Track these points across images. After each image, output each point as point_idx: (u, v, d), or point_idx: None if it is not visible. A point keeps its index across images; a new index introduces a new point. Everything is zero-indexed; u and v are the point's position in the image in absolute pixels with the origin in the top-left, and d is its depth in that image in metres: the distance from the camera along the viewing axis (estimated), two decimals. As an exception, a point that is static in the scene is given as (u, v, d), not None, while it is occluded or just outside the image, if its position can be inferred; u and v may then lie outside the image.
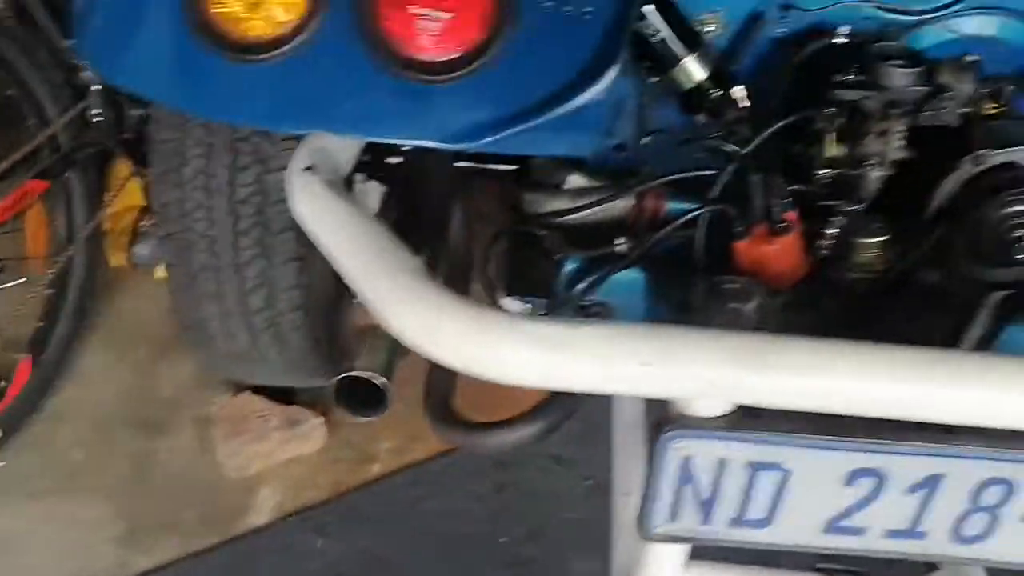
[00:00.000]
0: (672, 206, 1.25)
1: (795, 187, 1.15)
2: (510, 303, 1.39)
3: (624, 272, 1.27)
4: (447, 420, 1.13)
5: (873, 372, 0.80)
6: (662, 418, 0.87)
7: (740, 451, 0.87)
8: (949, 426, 0.87)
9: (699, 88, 1.13)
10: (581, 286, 1.27)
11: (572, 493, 1.96)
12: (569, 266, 1.31)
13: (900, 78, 1.06)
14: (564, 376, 0.82)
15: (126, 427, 2.00)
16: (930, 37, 1.14)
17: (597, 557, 1.47)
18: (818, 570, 1.11)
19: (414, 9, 1.01)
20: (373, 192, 1.39)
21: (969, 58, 1.08)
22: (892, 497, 0.88)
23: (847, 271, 1.19)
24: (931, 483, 0.87)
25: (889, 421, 0.86)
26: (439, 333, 0.83)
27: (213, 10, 1.03)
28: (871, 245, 1.15)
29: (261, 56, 1.02)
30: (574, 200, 1.28)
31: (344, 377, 0.98)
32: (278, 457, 1.92)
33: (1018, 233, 1.04)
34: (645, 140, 1.21)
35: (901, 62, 1.06)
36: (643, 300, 1.29)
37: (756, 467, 0.87)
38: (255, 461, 1.90)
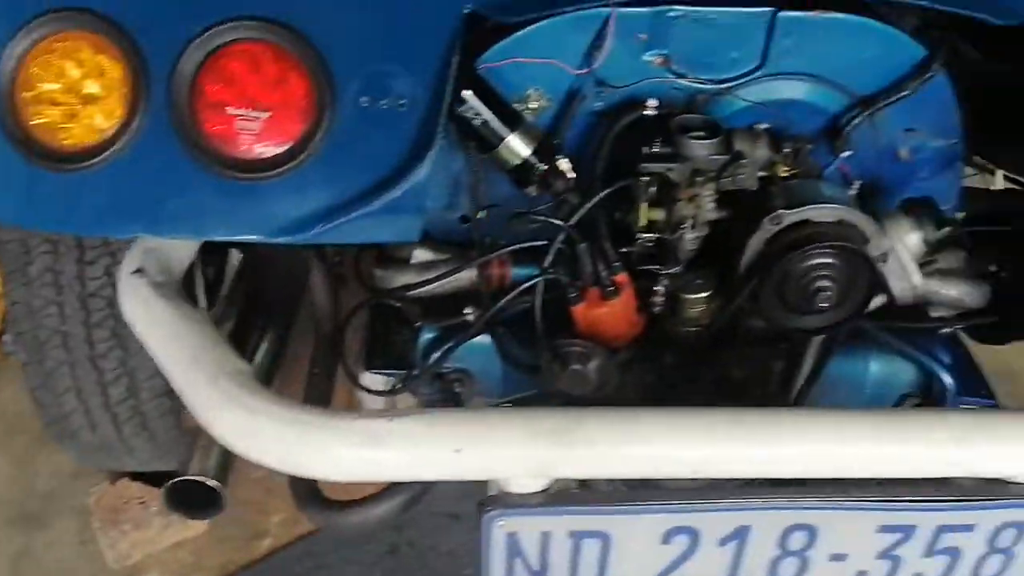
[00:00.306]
0: (517, 273, 1.31)
1: (624, 250, 1.22)
2: (370, 378, 1.42)
3: (480, 339, 1.32)
4: (310, 500, 1.15)
5: (671, 438, 0.86)
6: (485, 498, 0.91)
7: (561, 523, 0.91)
8: (751, 480, 0.93)
9: (526, 163, 1.19)
10: (435, 356, 1.31)
11: (468, 550, 1.98)
12: (425, 337, 1.36)
13: (699, 149, 1.13)
14: (383, 470, 0.86)
15: (2, 524, 1.94)
16: (736, 104, 1.22)
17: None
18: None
19: (232, 110, 1.04)
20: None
21: (761, 126, 1.17)
22: (707, 551, 0.93)
23: (679, 326, 1.26)
24: (740, 534, 0.92)
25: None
26: (257, 438, 0.86)
27: (32, 122, 1.05)
28: (696, 301, 1.22)
29: (83, 164, 1.04)
30: (421, 273, 1.32)
31: (176, 481, 0.99)
32: (161, 543, 1.89)
33: (817, 284, 1.12)
34: (481, 214, 1.25)
35: (701, 133, 1.14)
36: (498, 365, 1.34)
37: (579, 536, 0.91)
38: (137, 549, 1.86)
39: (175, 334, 0.97)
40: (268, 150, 1.05)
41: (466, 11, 1.06)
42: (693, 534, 0.92)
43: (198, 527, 1.93)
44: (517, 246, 1.25)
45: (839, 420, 0.88)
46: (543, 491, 0.90)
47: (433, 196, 1.30)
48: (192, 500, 1.00)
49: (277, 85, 1.04)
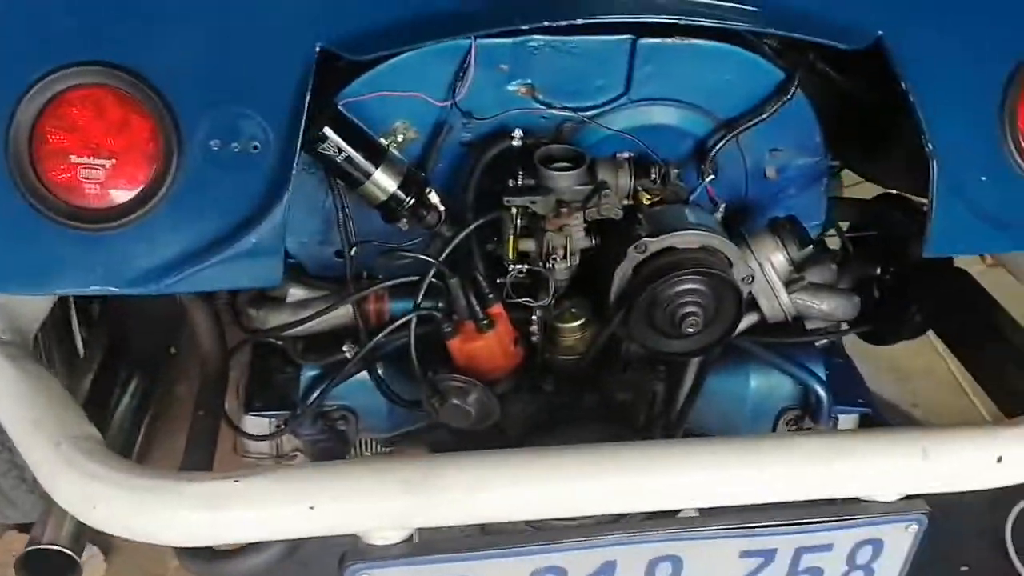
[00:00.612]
0: (396, 307, 1.29)
1: (499, 282, 1.22)
2: (252, 421, 1.39)
3: (362, 375, 1.30)
4: (191, 554, 1.11)
5: (524, 481, 0.85)
6: (345, 551, 0.89)
7: (427, 571, 0.90)
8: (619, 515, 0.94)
9: (394, 198, 1.17)
10: (314, 395, 1.29)
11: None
12: (307, 375, 1.33)
13: (562, 180, 1.14)
14: (234, 532, 0.83)
15: None
16: (603, 132, 1.23)
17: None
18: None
19: (75, 158, 1.01)
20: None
21: (623, 155, 1.18)
22: (577, 588, 0.93)
23: (557, 355, 1.26)
24: (607, 570, 0.92)
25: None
26: (99, 506, 0.82)
27: None
28: (571, 330, 1.23)
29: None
30: (297, 312, 1.30)
31: (30, 551, 0.95)
32: (53, 595, 1.81)
33: (684, 311, 1.13)
34: (354, 251, 1.24)
35: (565, 164, 1.14)
36: (382, 400, 1.32)
37: (444, 584, 0.90)
38: (26, 604, 1.78)
39: (18, 395, 0.93)
40: (115, 198, 1.01)
41: (318, 49, 1.04)
42: (561, 573, 0.92)
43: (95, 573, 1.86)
44: (390, 283, 1.24)
45: (691, 451, 0.89)
46: (405, 541, 0.89)
47: (306, 231, 1.29)
48: (49, 568, 0.96)
49: (120, 130, 1.01)
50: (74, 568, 0.96)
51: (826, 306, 1.36)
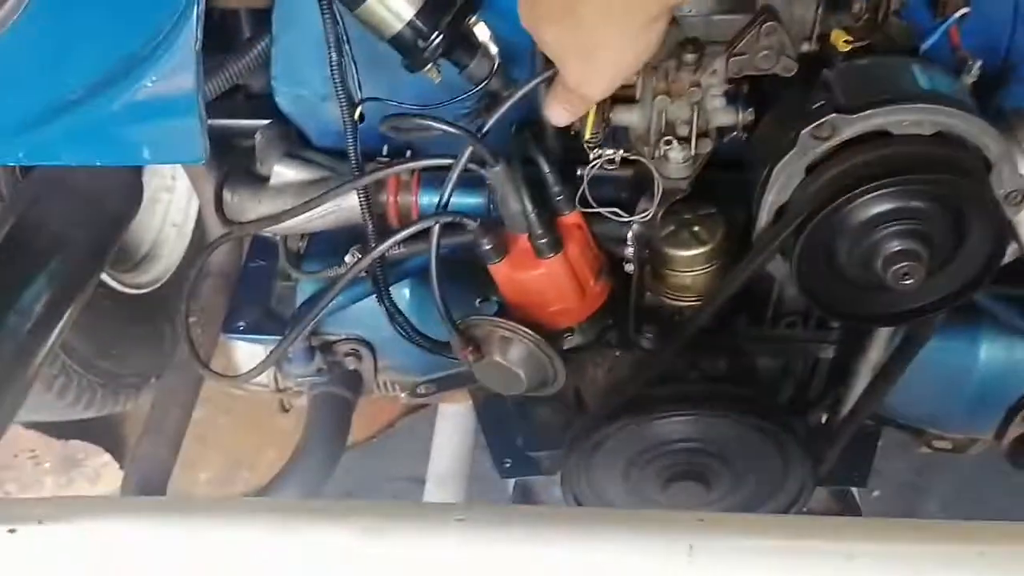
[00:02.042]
0: (429, 203, 0.86)
1: (578, 175, 0.75)
2: (237, 345, 1.02)
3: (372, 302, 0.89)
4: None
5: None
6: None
7: None
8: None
9: (413, 27, 0.72)
10: (307, 323, 0.89)
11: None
12: (303, 290, 0.94)
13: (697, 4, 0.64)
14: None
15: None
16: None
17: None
18: None
19: None
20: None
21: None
22: None
23: (663, 297, 0.79)
24: None
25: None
26: None
27: None
28: (689, 260, 0.76)
29: None
30: (281, 199, 0.88)
31: None
32: (62, 504, 1.57)
33: (896, 247, 0.63)
34: (358, 112, 0.79)
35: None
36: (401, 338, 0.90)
37: None
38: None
39: None
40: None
41: None
42: None
43: (107, 484, 1.61)
44: (409, 165, 0.80)
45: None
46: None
47: (303, 80, 0.86)
48: None
49: None
50: None
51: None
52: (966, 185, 0.63)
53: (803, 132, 0.64)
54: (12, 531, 0.45)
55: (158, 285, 1.57)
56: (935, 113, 0.63)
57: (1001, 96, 0.80)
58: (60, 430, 1.59)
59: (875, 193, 0.62)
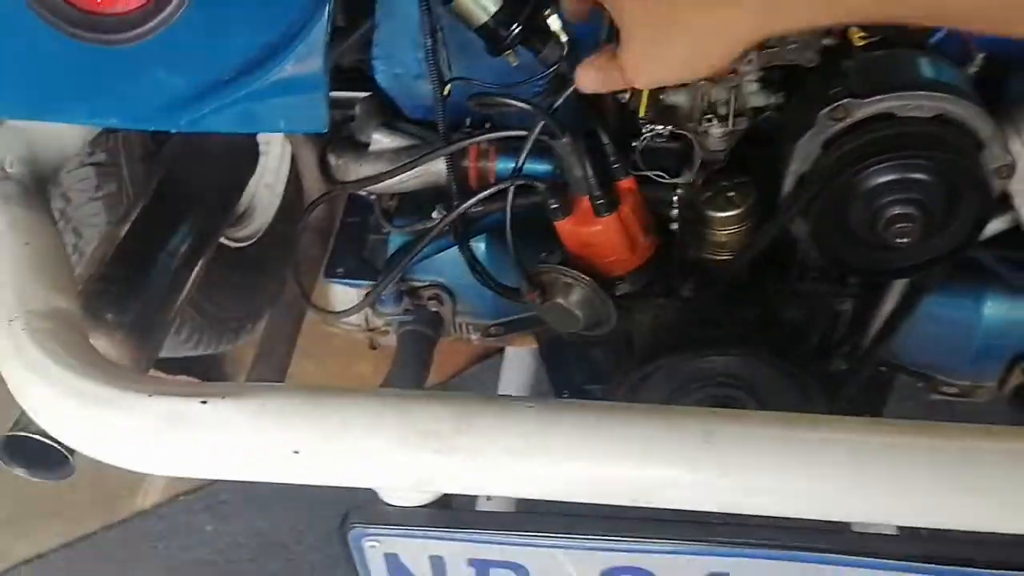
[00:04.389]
0: (505, 168, 1.00)
1: (633, 146, 0.89)
2: (335, 288, 1.18)
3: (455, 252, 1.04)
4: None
5: (588, 451, 0.57)
6: (349, 511, 0.66)
7: (457, 549, 0.65)
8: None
9: (498, 19, 0.86)
10: (396, 267, 1.05)
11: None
12: (394, 243, 1.09)
13: None
14: (191, 466, 0.62)
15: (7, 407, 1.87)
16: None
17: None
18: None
19: (78, -54, 0.77)
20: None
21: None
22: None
23: (704, 252, 0.93)
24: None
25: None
26: (35, 403, 0.63)
27: None
28: (725, 220, 0.89)
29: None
30: (379, 163, 1.04)
31: (10, 436, 0.79)
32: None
33: (897, 211, 0.76)
34: (447, 89, 0.94)
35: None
36: (476, 285, 1.06)
37: (483, 566, 0.65)
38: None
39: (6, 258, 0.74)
40: (126, 3, 0.77)
41: None
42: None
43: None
44: (488, 136, 0.95)
45: (853, 440, 0.57)
46: (429, 505, 0.65)
47: (400, 61, 1.01)
48: (37, 456, 0.80)
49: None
50: (63, 462, 0.80)
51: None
52: (957, 161, 0.75)
53: (821, 113, 0.76)
54: (203, 402, 0.61)
55: (253, 240, 1.76)
56: (932, 99, 0.75)
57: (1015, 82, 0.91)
58: (168, 367, 1.79)
59: (879, 166, 0.74)
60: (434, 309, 1.13)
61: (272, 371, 1.15)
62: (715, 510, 0.59)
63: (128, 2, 0.77)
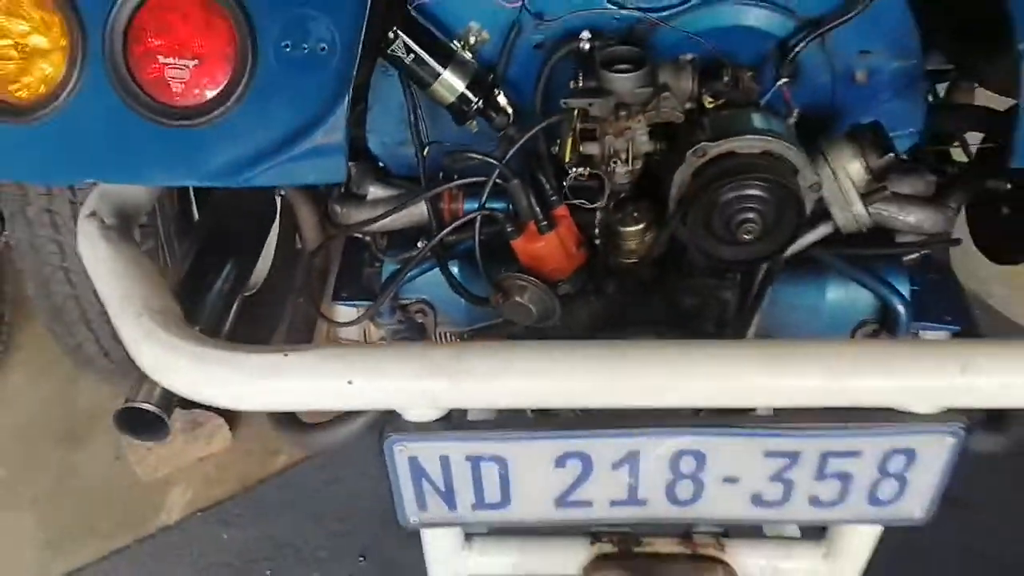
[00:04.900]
0: (470, 207, 1.34)
1: (566, 183, 1.24)
2: (340, 309, 1.50)
3: (436, 271, 1.37)
4: (285, 423, 1.25)
5: (545, 370, 0.89)
6: (385, 425, 0.97)
7: (458, 448, 0.96)
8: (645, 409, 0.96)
9: (462, 99, 1.21)
10: (390, 288, 1.37)
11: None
12: (388, 269, 1.42)
13: (622, 82, 1.13)
14: (280, 401, 0.93)
15: (47, 440, 2.13)
16: (679, 33, 1.20)
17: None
18: (594, 538, 1.21)
19: (163, 59, 1.09)
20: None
21: (686, 57, 1.15)
22: (601, 474, 0.98)
23: (620, 258, 1.27)
24: (631, 459, 0.96)
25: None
26: (168, 371, 0.94)
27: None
28: (631, 233, 1.24)
29: (34, 115, 1.11)
30: (376, 210, 1.37)
31: (124, 408, 1.09)
32: (186, 458, 2.05)
33: (741, 217, 1.11)
34: (426, 151, 1.29)
35: (625, 67, 1.13)
36: (457, 296, 1.38)
37: (476, 460, 0.97)
38: (163, 463, 2.03)
39: (114, 272, 1.05)
40: (198, 96, 1.10)
41: (382, -47, 1.07)
42: (585, 459, 0.96)
43: (221, 443, 2.08)
44: (457, 183, 1.29)
45: (710, 351, 0.90)
46: (439, 419, 0.96)
47: (387, 133, 1.35)
48: (141, 424, 1.09)
49: (203, 33, 1.08)
50: (163, 427, 1.09)
51: (913, 218, 1.30)
52: (779, 181, 1.11)
53: (688, 153, 1.12)
54: (285, 355, 0.92)
55: (255, 290, 2.07)
56: (760, 141, 1.11)
57: (836, 128, 1.28)
58: (186, 402, 2.07)
59: (728, 186, 1.10)
60: (420, 320, 1.45)
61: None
62: (617, 406, 0.91)
63: (199, 96, 1.11)
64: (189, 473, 2.05)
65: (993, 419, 1.19)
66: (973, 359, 0.87)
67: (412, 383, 0.90)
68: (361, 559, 1.88)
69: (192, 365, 0.92)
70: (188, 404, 2.08)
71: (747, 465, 0.96)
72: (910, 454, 0.93)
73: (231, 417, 2.09)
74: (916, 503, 0.99)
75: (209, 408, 2.09)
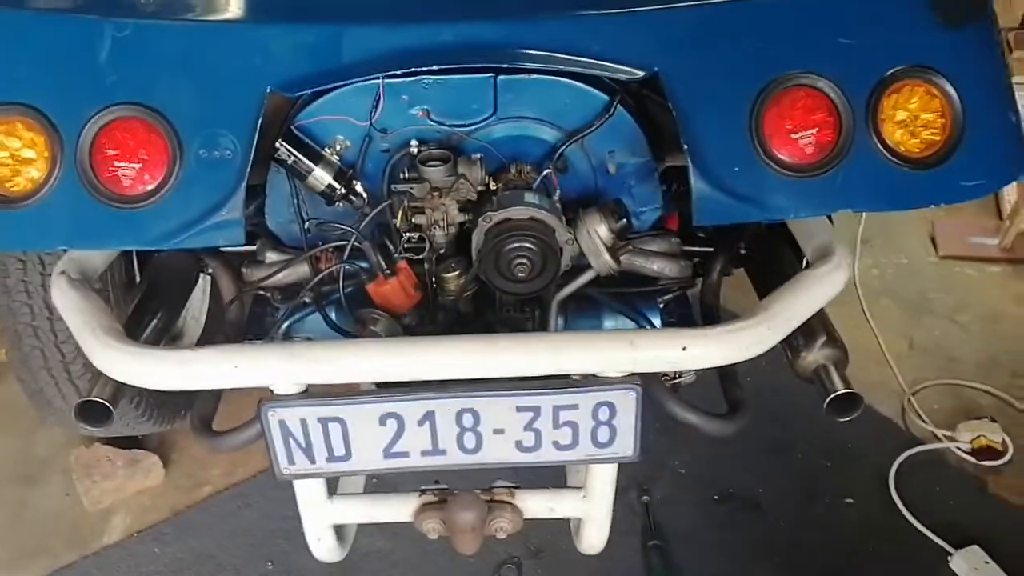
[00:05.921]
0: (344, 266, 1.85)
1: (402, 243, 1.76)
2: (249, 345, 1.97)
3: (316, 315, 1.86)
4: (201, 431, 1.70)
5: (359, 357, 1.38)
6: (263, 397, 1.44)
7: (311, 412, 1.44)
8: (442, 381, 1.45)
9: (329, 187, 1.73)
10: (283, 327, 1.86)
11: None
12: (281, 314, 1.91)
13: (432, 173, 1.66)
14: (191, 381, 1.40)
15: (7, 481, 2.51)
16: (485, 139, 1.75)
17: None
18: (422, 491, 1.67)
19: (117, 164, 1.60)
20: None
21: (476, 155, 1.70)
22: (411, 430, 1.45)
23: (446, 297, 1.79)
24: (429, 417, 1.44)
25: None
26: (115, 365, 1.41)
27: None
28: (451, 279, 1.75)
29: (22, 204, 1.59)
30: (271, 270, 1.87)
31: (83, 401, 1.53)
32: (126, 491, 2.45)
33: (517, 261, 1.64)
34: (307, 225, 1.80)
35: (435, 163, 1.67)
36: (331, 332, 1.87)
37: (324, 421, 1.44)
38: (106, 496, 2.42)
39: (78, 310, 1.52)
40: (141, 188, 1.60)
41: (268, 90, 1.60)
42: (398, 418, 1.44)
43: (156, 478, 2.49)
44: (327, 246, 1.80)
45: (461, 343, 1.40)
46: (300, 392, 1.44)
47: (280, 214, 1.86)
48: (93, 415, 1.54)
49: (145, 146, 1.59)
50: (110, 415, 1.54)
51: (656, 267, 1.84)
52: (541, 238, 1.63)
53: (481, 219, 1.64)
54: (193, 351, 1.41)
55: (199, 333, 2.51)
56: (529, 210, 1.64)
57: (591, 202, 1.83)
58: (125, 443, 2.48)
59: (507, 239, 1.62)
60: (307, 352, 1.92)
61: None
62: (413, 379, 1.40)
63: (142, 188, 1.60)
64: (128, 503, 2.44)
65: (730, 411, 1.71)
66: (637, 339, 1.39)
67: (278, 365, 1.39)
68: (269, 564, 2.28)
69: (130, 359, 1.39)
70: (127, 444, 2.52)
71: (507, 419, 1.44)
72: (611, 406, 1.43)
73: (164, 456, 2.50)
74: (627, 443, 1.48)
75: (145, 447, 2.51)
